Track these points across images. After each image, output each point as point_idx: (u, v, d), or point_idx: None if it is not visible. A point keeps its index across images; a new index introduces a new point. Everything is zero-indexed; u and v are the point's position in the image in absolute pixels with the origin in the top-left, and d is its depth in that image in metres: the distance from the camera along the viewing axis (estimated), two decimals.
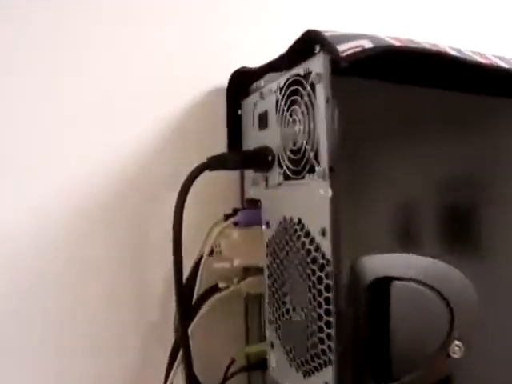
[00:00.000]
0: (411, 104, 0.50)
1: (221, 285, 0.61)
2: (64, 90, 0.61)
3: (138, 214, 0.64)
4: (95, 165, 0.62)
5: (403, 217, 0.49)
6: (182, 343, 0.56)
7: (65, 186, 0.60)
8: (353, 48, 0.41)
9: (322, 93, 0.45)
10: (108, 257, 0.62)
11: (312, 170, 0.47)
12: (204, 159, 0.57)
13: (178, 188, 0.56)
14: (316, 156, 0.47)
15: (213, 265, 0.61)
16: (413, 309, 0.46)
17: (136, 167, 0.63)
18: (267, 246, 0.57)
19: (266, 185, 0.57)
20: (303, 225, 0.49)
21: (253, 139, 0.61)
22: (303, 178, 0.49)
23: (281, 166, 0.54)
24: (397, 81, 0.49)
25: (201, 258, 0.61)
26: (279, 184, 0.54)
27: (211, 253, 0.60)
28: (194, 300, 0.59)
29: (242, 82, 0.64)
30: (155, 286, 0.64)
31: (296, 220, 0.50)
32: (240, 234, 0.60)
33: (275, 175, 0.55)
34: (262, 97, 0.58)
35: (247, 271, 0.63)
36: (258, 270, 0.61)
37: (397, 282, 0.45)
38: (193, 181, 0.55)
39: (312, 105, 0.47)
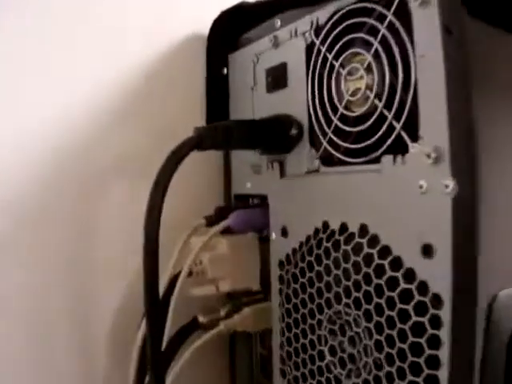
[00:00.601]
0: None
1: (202, 319, 0.42)
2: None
3: (79, 208, 0.43)
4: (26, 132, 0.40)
5: None
6: None
7: None
8: None
9: (432, 22, 0.27)
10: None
11: (398, 149, 0.29)
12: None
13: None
14: (409, 126, 0.29)
15: (191, 291, 0.41)
16: None
17: (78, 144, 0.42)
18: (281, 264, 0.38)
19: (282, 173, 0.38)
20: (375, 237, 0.31)
21: (254, 105, 0.42)
22: (376, 161, 0.31)
23: (314, 144, 0.36)
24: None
25: (174, 279, 0.41)
26: (311, 171, 0.36)
27: (190, 273, 0.41)
28: (164, 342, 0.39)
29: (231, 28, 0.45)
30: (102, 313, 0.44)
31: (356, 228, 0.32)
32: (230, 244, 0.42)
33: (301, 158, 0.37)
34: (275, 43, 0.39)
35: (233, 297, 0.44)
36: (251, 297, 0.43)
37: None
38: (177, 164, 0.34)
39: (402, 45, 0.29)
